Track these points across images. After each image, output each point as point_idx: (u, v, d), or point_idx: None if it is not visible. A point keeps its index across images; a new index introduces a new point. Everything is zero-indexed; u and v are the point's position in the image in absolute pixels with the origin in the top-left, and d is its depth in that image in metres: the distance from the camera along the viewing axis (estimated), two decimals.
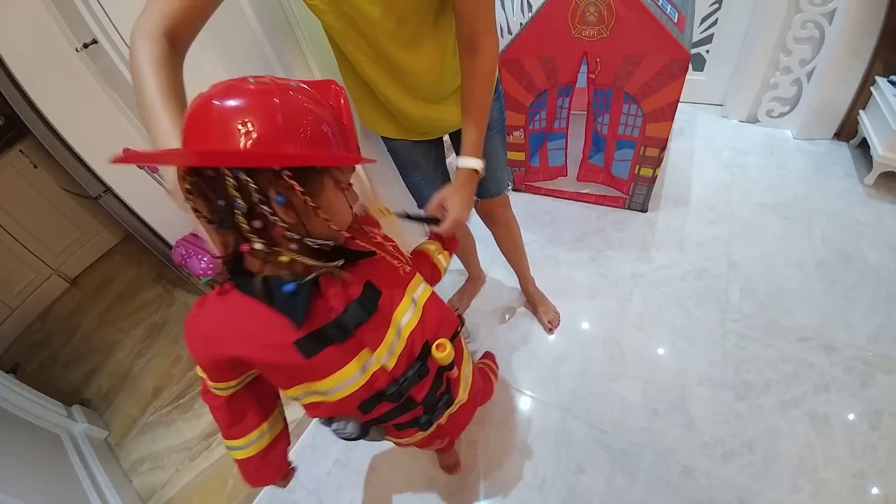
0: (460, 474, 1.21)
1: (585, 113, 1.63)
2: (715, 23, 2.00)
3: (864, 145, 1.82)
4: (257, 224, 0.43)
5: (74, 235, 2.35)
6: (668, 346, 1.36)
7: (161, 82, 0.54)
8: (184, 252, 1.52)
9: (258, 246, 0.43)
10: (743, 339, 1.33)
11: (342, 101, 0.52)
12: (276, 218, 0.43)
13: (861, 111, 1.82)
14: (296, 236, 0.45)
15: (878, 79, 1.71)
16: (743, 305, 1.41)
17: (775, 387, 1.23)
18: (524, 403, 1.31)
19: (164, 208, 1.52)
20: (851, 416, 1.18)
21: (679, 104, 1.42)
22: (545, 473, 1.18)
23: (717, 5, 1.96)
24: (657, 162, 1.57)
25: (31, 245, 2.19)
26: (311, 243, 0.47)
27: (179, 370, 1.70)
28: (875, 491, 1.07)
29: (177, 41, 0.58)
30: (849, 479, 1.09)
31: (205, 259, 1.45)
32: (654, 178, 1.63)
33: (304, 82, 0.47)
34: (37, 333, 2.15)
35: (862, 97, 1.80)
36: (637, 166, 1.62)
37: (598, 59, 1.43)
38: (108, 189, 1.48)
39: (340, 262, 0.51)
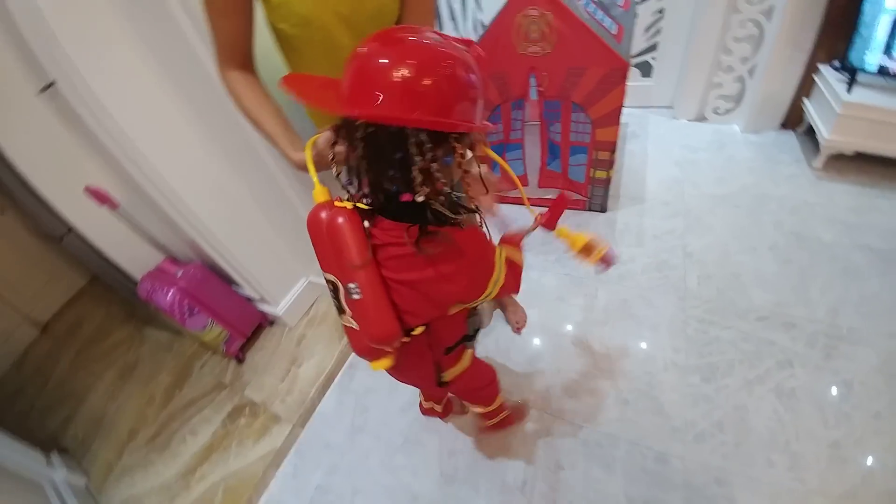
0: (443, 483, 1.22)
1: (539, 123, 1.73)
2: (658, 31, 2.15)
3: (810, 132, 1.94)
4: (421, 178, 0.51)
5: (42, 280, 2.35)
6: (634, 338, 1.40)
7: (257, 98, 0.78)
8: (149, 287, 1.55)
9: (421, 198, 0.52)
10: (704, 323, 1.39)
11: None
12: (440, 174, 0.52)
13: (805, 99, 1.95)
14: (448, 191, 0.55)
15: (821, 66, 1.83)
16: (701, 292, 1.47)
17: (739, 366, 1.28)
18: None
19: (128, 245, 1.55)
20: (819, 389, 1.23)
21: (630, 109, 1.53)
22: (526, 474, 1.19)
23: (659, 14, 2.11)
24: (609, 164, 1.67)
25: (1, 293, 2.18)
26: (454, 198, 0.58)
27: (153, 410, 1.69)
28: (856, 459, 1.10)
29: (246, 58, 0.79)
30: (824, 450, 1.13)
31: (170, 292, 1.48)
32: (608, 180, 1.72)
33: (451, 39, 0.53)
34: (12, 384, 2.12)
35: (805, 86, 1.93)
36: (592, 170, 1.71)
37: (544, 73, 1.53)
38: (70, 229, 1.51)
39: (475, 211, 0.66)
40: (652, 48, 2.22)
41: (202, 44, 1.06)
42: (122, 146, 1.09)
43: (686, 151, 2.03)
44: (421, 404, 1.33)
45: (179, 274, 1.50)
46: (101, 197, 1.36)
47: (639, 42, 2.19)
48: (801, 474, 1.10)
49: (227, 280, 1.51)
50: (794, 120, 2.03)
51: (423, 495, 1.22)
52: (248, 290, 1.51)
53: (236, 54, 0.77)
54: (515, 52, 1.51)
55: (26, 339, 2.31)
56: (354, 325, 0.64)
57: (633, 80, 2.27)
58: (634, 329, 1.42)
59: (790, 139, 2.00)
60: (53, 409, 1.85)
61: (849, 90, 1.68)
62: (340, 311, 0.66)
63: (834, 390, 1.22)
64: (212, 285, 1.50)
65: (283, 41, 0.83)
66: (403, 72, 0.47)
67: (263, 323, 1.59)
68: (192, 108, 1.17)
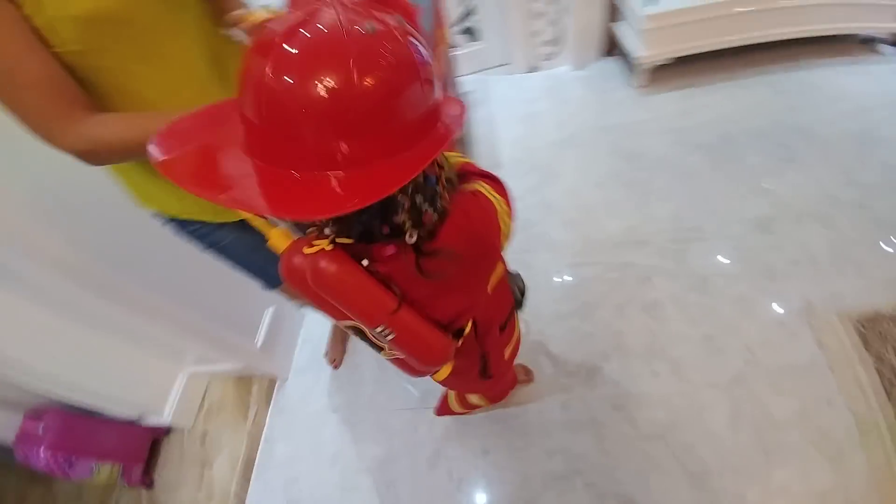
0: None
1: None
2: None
3: (628, 54, 2.19)
4: (409, 220, 0.48)
5: None
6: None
7: (130, 116, 0.65)
8: (22, 453, 1.45)
9: (413, 239, 0.49)
10: (572, 267, 1.58)
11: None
12: (427, 204, 0.49)
13: (612, 24, 2.19)
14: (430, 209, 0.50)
15: None
16: (566, 239, 1.66)
17: (608, 295, 1.48)
18: (423, 417, 1.43)
19: None
20: (679, 292, 1.45)
21: (471, 76, 1.58)
22: (460, 472, 1.31)
23: None
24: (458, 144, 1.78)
25: None
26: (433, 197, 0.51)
27: None
28: (731, 345, 1.33)
29: (84, 97, 0.64)
30: (699, 346, 1.36)
31: (40, 452, 1.40)
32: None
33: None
34: None
35: (611, 11, 2.16)
36: None
37: None
38: None
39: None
40: (472, 12, 2.34)
41: None
42: None
43: (527, 105, 2.21)
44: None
45: (41, 430, 1.42)
46: None
47: (455, 8, 2.30)
48: (685, 375, 1.32)
49: (95, 413, 1.46)
50: (611, 47, 2.28)
51: None
52: (122, 413, 1.46)
53: (68, 95, 0.62)
54: None
55: None
56: (395, 355, 0.62)
57: (465, 46, 2.39)
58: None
59: (613, 66, 2.25)
60: None
61: (645, 3, 1.91)
62: (378, 349, 0.62)
63: (692, 289, 1.45)
64: (80, 427, 1.44)
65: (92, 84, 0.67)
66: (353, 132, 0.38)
67: (159, 437, 1.55)
68: None
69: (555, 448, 1.27)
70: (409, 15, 0.44)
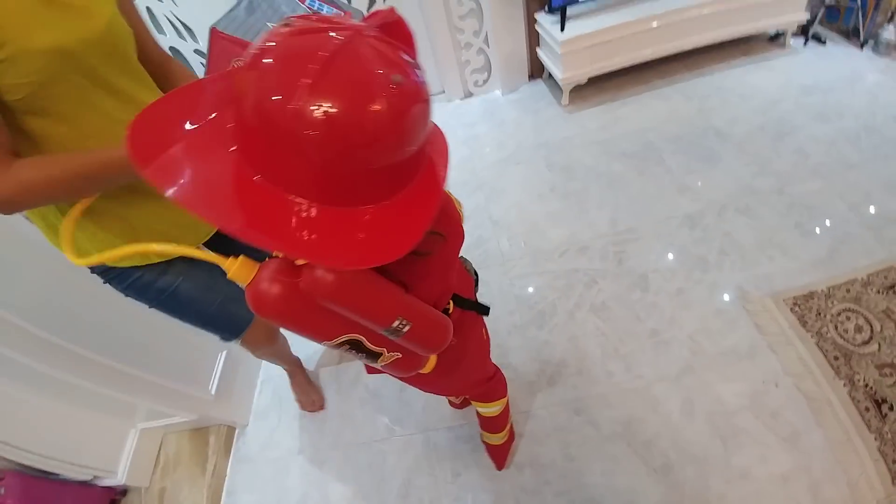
0: None
1: None
2: None
3: (552, 76, 2.24)
4: None
5: None
6: None
7: (56, 157, 0.62)
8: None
9: None
10: (523, 278, 1.55)
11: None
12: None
13: (538, 48, 2.24)
14: None
15: (537, 15, 2.11)
16: (514, 252, 1.63)
17: (559, 303, 1.45)
18: (391, 447, 1.33)
19: None
20: (622, 292, 1.44)
21: None
22: (431, 499, 1.21)
23: None
24: None
25: None
26: None
27: None
28: (676, 337, 1.31)
29: (9, 144, 0.61)
30: (645, 340, 1.33)
31: None
32: None
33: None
34: None
35: (533, 37, 2.22)
36: None
37: None
38: None
39: None
40: None
41: None
42: None
43: (466, 129, 2.22)
44: (451, 401, 1.30)
45: (2, 491, 1.28)
46: None
47: None
48: (636, 371, 1.28)
49: (51, 473, 1.31)
50: (537, 69, 2.34)
51: None
52: (76, 476, 1.31)
53: (1, 146, 0.60)
54: None
55: None
56: (396, 356, 0.58)
57: None
58: None
59: (541, 87, 2.30)
60: None
61: (562, 28, 1.96)
62: (375, 357, 0.57)
63: (635, 287, 1.44)
64: (38, 489, 1.29)
65: (27, 131, 0.64)
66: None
67: (115, 497, 1.40)
68: None
69: (523, 461, 1.20)
70: (411, 48, 0.42)
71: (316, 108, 0.33)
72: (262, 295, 0.46)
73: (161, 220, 0.79)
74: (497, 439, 1.13)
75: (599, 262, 1.51)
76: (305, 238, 0.37)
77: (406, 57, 0.39)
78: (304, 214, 0.37)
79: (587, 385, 1.28)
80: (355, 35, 0.36)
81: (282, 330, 1.23)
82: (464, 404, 1.31)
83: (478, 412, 1.09)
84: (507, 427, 1.13)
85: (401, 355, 0.58)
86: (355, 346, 0.54)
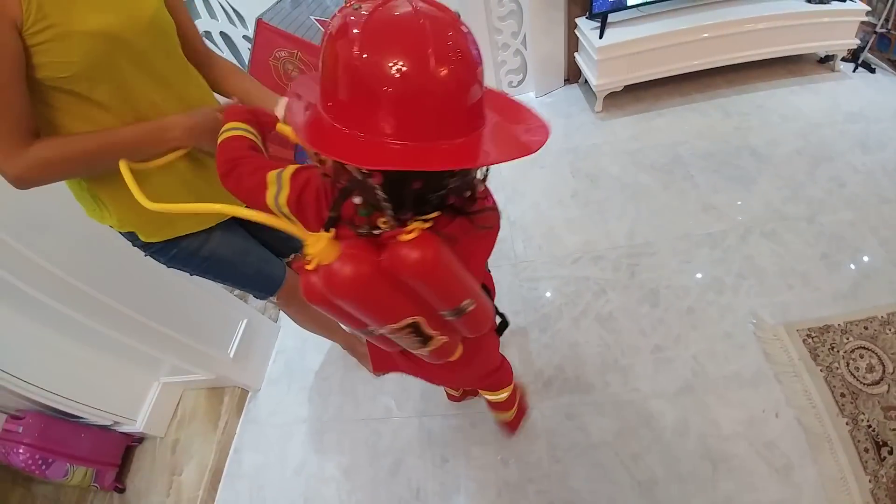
0: None
1: None
2: None
3: (588, 81, 2.21)
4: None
5: None
6: None
7: (79, 135, 0.68)
8: (3, 451, 1.43)
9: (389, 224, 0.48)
10: (533, 281, 1.56)
11: None
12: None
13: (576, 53, 2.22)
14: None
15: (578, 20, 2.10)
16: (527, 254, 1.64)
17: (565, 309, 1.45)
18: (387, 427, 1.39)
19: None
20: (631, 305, 1.43)
21: None
22: (419, 481, 1.27)
23: None
24: None
25: None
26: None
27: None
28: (679, 356, 1.30)
29: (34, 129, 0.65)
30: (648, 356, 1.33)
31: (19, 451, 1.37)
32: None
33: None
34: None
35: (572, 42, 2.20)
36: None
37: None
38: None
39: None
40: None
41: None
42: None
43: None
44: (450, 394, 1.33)
45: (21, 430, 1.40)
46: None
47: None
48: (634, 384, 1.28)
49: (72, 417, 1.43)
50: (573, 74, 2.31)
51: None
52: (98, 420, 1.44)
53: (24, 126, 0.63)
54: (285, 91, 1.57)
55: None
56: (444, 340, 0.60)
57: None
58: None
59: (575, 92, 2.27)
60: None
61: (601, 36, 1.94)
62: (426, 340, 0.59)
63: (644, 302, 1.43)
64: (57, 429, 1.42)
65: (65, 110, 0.68)
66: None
67: (132, 444, 1.52)
68: None
69: (509, 456, 1.23)
70: None
71: (389, 65, 0.38)
72: (344, 273, 0.46)
73: (210, 186, 0.83)
74: (507, 416, 1.20)
75: (611, 273, 1.51)
76: (397, 146, 0.40)
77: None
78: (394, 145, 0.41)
79: (582, 392, 1.29)
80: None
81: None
82: (463, 397, 1.35)
83: (486, 399, 1.14)
84: (515, 405, 1.18)
85: (447, 340, 0.59)
86: (414, 330, 0.55)
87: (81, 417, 1.43)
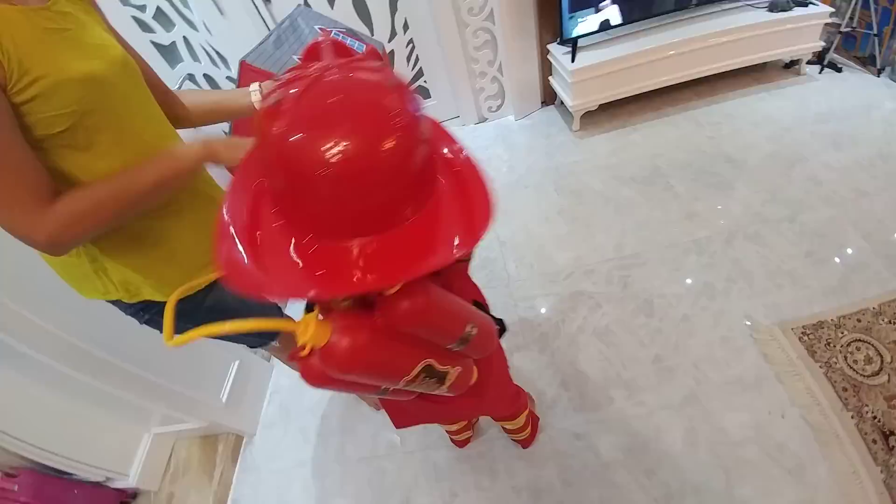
0: None
1: None
2: (417, 59, 2.40)
3: (564, 102, 2.30)
4: None
5: None
6: None
7: (108, 180, 0.66)
8: None
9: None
10: (528, 300, 1.56)
11: None
12: None
13: (550, 77, 2.31)
14: None
15: (550, 46, 2.19)
16: (520, 273, 1.65)
17: (563, 325, 1.46)
18: (391, 464, 1.35)
19: None
20: (626, 317, 1.44)
21: None
22: None
23: (411, 45, 2.35)
24: None
25: None
26: None
27: None
28: (680, 364, 1.30)
29: (53, 188, 0.62)
30: (650, 367, 1.32)
31: None
32: None
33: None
34: None
35: (546, 66, 2.29)
36: None
37: None
38: None
39: None
40: (420, 74, 2.46)
41: None
42: None
43: (478, 151, 2.26)
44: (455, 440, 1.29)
45: (16, 488, 1.35)
46: None
47: (406, 72, 2.42)
48: (639, 398, 1.27)
49: (64, 473, 1.37)
50: (549, 96, 2.40)
51: None
52: (90, 476, 1.37)
53: (44, 185, 0.61)
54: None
55: None
56: (458, 370, 0.60)
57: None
58: None
59: (552, 113, 2.35)
60: None
61: (573, 59, 2.03)
62: (441, 379, 0.58)
63: (639, 312, 1.44)
64: (51, 487, 1.35)
65: (70, 163, 0.66)
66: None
67: (126, 500, 1.45)
68: None
69: (521, 485, 1.20)
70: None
71: (327, 148, 0.35)
72: (345, 349, 0.44)
73: (198, 245, 0.82)
74: (522, 436, 1.22)
75: (605, 286, 1.52)
76: (367, 278, 0.39)
77: (389, 75, 0.42)
78: (368, 250, 0.40)
79: (588, 410, 1.28)
80: (334, 71, 0.39)
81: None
82: (464, 443, 1.30)
83: (503, 426, 1.17)
84: (530, 425, 1.20)
85: (461, 369, 0.60)
86: (429, 373, 0.54)
87: (73, 474, 1.37)
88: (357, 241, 0.39)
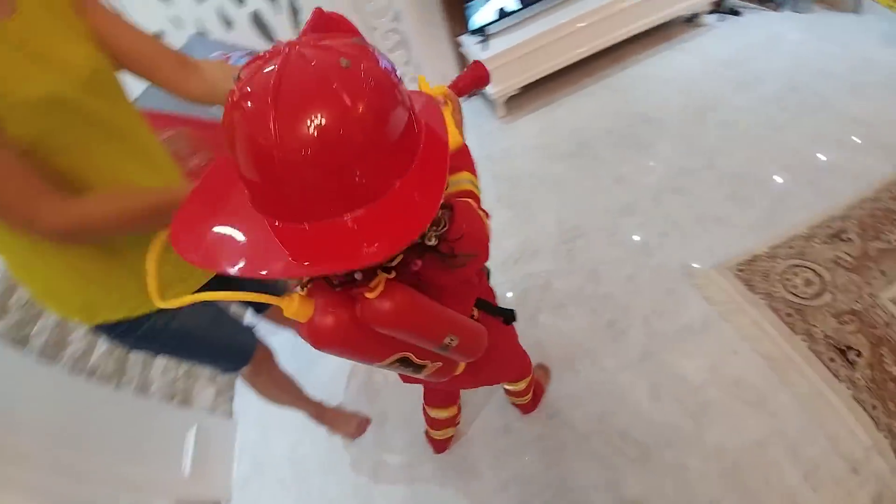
0: None
1: None
2: None
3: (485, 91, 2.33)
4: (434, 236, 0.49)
5: None
6: None
7: (114, 194, 0.68)
8: None
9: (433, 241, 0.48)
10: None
11: None
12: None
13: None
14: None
15: (461, 38, 2.20)
16: None
17: (520, 310, 1.37)
18: (376, 492, 1.32)
19: None
20: (576, 288, 1.48)
21: None
22: None
23: None
24: None
25: None
26: None
27: None
28: (632, 324, 1.35)
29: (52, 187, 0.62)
30: (602, 332, 1.37)
31: None
32: None
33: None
34: None
35: (462, 58, 2.31)
36: None
37: None
38: None
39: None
40: None
41: None
42: None
43: None
44: (436, 441, 1.28)
45: None
46: None
47: None
48: (600, 364, 1.32)
49: None
50: None
51: None
52: None
53: (43, 182, 0.61)
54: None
55: None
56: (438, 365, 0.62)
57: None
58: None
59: (476, 103, 2.39)
60: None
61: (484, 48, 2.06)
62: (419, 368, 0.60)
63: (588, 282, 1.49)
64: None
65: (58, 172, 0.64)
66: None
67: None
68: None
69: (507, 477, 1.21)
70: (353, 33, 0.48)
71: (297, 129, 0.35)
72: (323, 328, 0.48)
73: (167, 261, 0.78)
74: (523, 400, 1.24)
75: (552, 263, 1.56)
76: (366, 249, 0.39)
77: (346, 40, 0.42)
78: (349, 225, 0.39)
79: (557, 387, 1.31)
80: (290, 50, 0.38)
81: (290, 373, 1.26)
82: (444, 444, 1.29)
83: (505, 388, 1.21)
84: (531, 392, 1.22)
85: (442, 364, 0.62)
86: (404, 363, 0.57)
87: None
88: (349, 214, 0.39)
